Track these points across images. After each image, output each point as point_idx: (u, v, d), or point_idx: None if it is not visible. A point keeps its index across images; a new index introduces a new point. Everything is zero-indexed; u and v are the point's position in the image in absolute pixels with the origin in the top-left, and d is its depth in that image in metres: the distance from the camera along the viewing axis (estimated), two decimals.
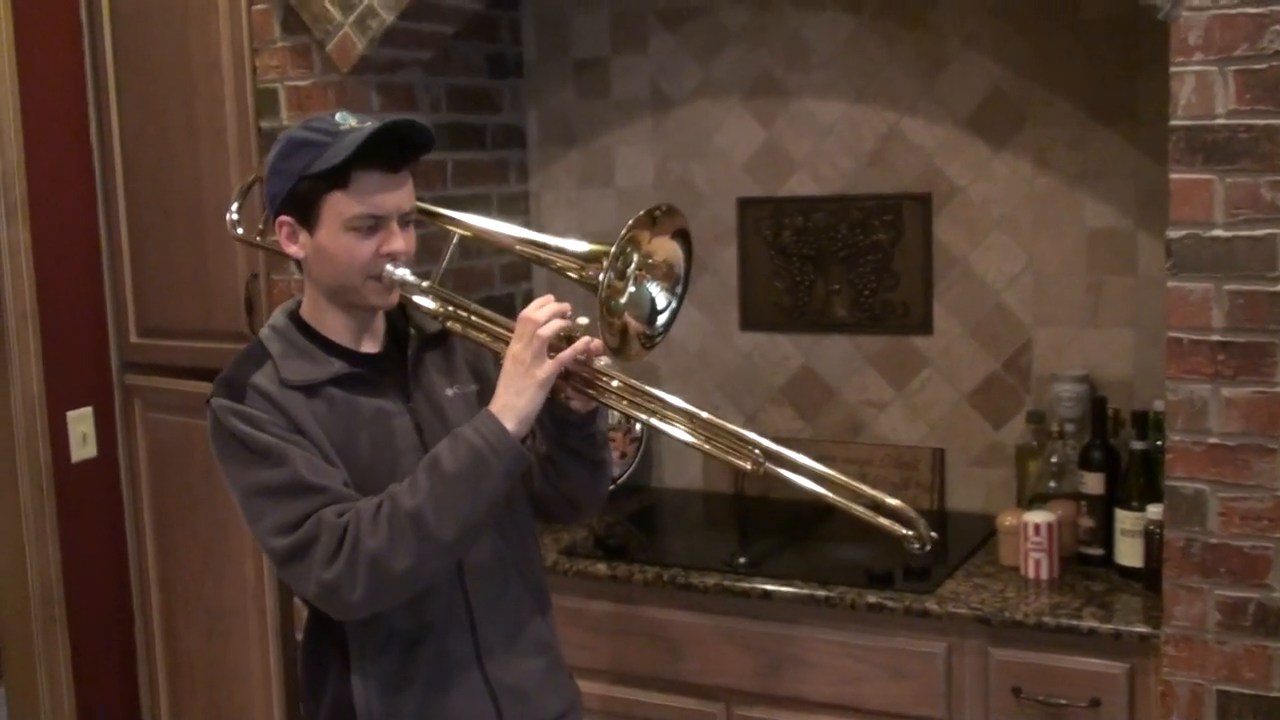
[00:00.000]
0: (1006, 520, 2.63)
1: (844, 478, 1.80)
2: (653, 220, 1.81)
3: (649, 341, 1.86)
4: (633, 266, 1.81)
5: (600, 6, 3.27)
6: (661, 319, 1.86)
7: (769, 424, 3.18)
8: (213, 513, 3.27)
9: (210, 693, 3.39)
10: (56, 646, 3.29)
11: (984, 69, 2.86)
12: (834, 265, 3.07)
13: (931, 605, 2.45)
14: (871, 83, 2.98)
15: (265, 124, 3.00)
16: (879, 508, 1.79)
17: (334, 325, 1.90)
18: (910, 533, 1.78)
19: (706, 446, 1.84)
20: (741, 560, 2.68)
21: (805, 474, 1.80)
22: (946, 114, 2.91)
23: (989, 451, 2.96)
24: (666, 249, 1.84)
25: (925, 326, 2.99)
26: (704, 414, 1.84)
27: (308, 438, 1.81)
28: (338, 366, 1.87)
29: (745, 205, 3.16)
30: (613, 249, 1.76)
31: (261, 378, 1.83)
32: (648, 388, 1.85)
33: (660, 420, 1.85)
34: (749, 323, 3.19)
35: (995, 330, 2.92)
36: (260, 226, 2.35)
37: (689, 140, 3.21)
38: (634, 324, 1.84)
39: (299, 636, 3.13)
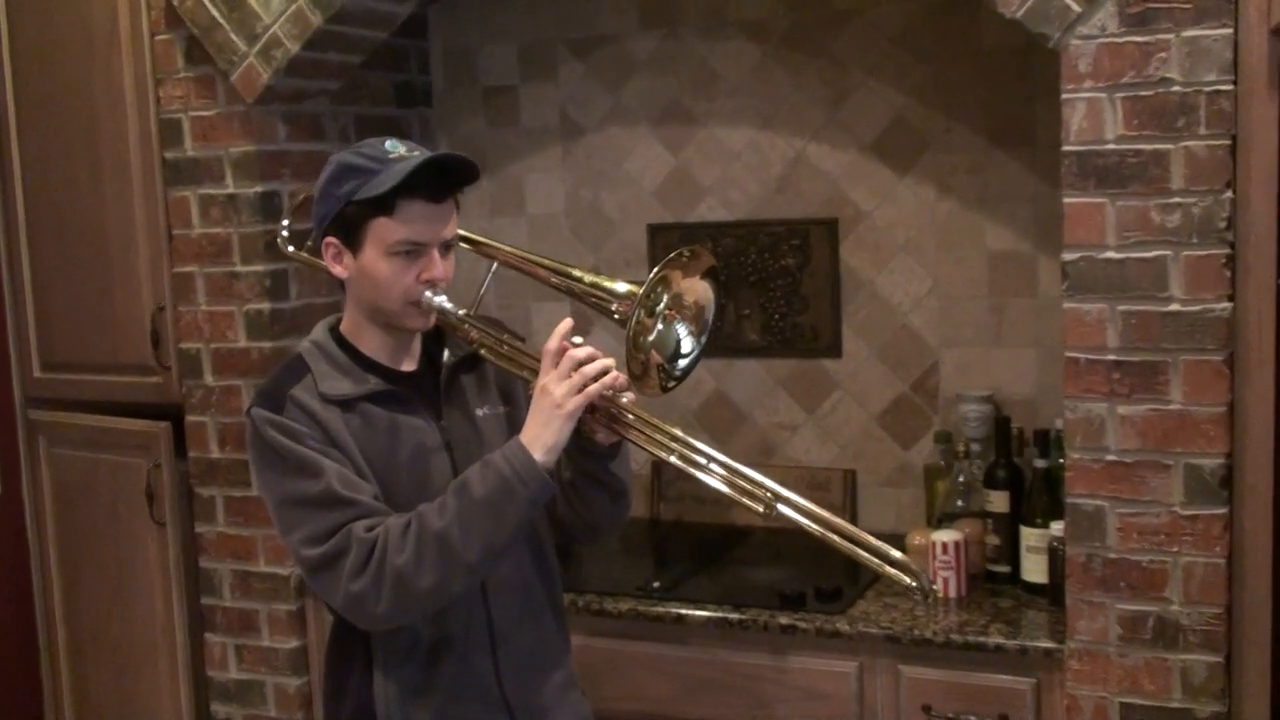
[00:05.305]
0: (915, 539, 2.67)
1: (851, 526, 1.81)
2: (682, 262, 1.87)
3: (667, 378, 1.90)
4: (662, 305, 1.86)
5: (508, 35, 3.28)
6: (683, 362, 1.90)
7: None
8: (120, 549, 3.21)
9: None
10: None
11: (886, 97, 2.92)
12: (744, 290, 3.10)
13: (842, 625, 2.47)
14: (778, 110, 3.02)
15: (169, 154, 2.97)
16: (884, 558, 1.80)
17: (372, 343, 1.97)
18: (914, 584, 1.80)
19: (724, 489, 1.88)
20: (656, 585, 2.69)
21: (812, 519, 1.82)
22: (851, 141, 2.96)
23: (898, 472, 3.00)
24: (697, 291, 1.90)
25: (834, 349, 3.03)
26: (722, 455, 1.88)
27: (342, 451, 1.88)
28: (374, 383, 1.93)
29: (655, 231, 3.18)
30: (642, 290, 1.81)
31: (300, 391, 1.90)
32: (671, 428, 1.89)
33: (681, 460, 1.88)
34: None
35: (903, 352, 2.97)
36: (309, 243, 2.38)
37: (599, 167, 3.23)
38: (657, 358, 1.88)
39: (209, 672, 3.11)
